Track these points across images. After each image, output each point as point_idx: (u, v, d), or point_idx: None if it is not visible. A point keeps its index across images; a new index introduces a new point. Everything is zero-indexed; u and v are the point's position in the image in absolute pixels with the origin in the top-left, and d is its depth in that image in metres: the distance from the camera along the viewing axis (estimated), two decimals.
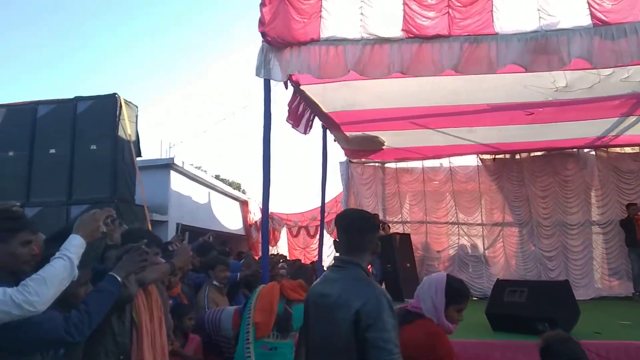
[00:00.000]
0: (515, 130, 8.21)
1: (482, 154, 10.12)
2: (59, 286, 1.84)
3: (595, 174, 9.65)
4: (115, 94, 7.10)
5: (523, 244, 9.82)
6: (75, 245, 1.95)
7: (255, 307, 3.35)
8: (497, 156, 10.12)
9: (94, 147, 6.96)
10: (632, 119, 7.77)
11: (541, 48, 4.65)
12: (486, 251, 10.02)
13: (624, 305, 7.70)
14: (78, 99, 7.22)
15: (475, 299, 9.22)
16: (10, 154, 7.13)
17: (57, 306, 1.95)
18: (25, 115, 7.26)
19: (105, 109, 7.08)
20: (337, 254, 2.20)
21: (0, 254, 1.92)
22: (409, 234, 9.81)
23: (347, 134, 8.57)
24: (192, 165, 12.19)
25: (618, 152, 9.64)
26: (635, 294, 8.45)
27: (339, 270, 2.05)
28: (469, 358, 4.38)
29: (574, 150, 9.74)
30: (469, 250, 10.14)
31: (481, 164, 10.22)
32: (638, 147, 9.44)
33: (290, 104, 6.30)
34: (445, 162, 10.47)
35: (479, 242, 10.10)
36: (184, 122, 58.65)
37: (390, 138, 8.80)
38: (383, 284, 8.99)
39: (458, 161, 10.43)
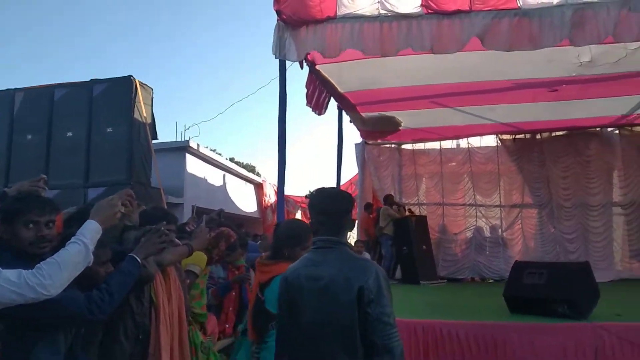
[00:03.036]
0: (537, 109, 8.02)
1: (501, 134, 9.91)
2: (73, 271, 1.85)
3: (618, 154, 9.41)
4: (131, 76, 7.09)
5: (542, 225, 9.66)
6: (91, 231, 1.95)
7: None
8: (517, 136, 9.90)
9: (110, 130, 6.99)
10: None
11: (578, 21, 4.47)
12: (504, 233, 9.89)
13: None
14: (94, 81, 7.24)
15: (491, 281, 9.17)
16: (29, 137, 7.21)
17: (79, 285, 1.98)
18: (43, 99, 7.31)
19: (120, 92, 7.09)
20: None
21: (7, 235, 1.96)
22: (425, 216, 9.70)
23: (363, 114, 8.47)
24: (207, 147, 12.23)
25: None
26: None
27: (324, 251, 1.99)
28: (486, 340, 4.35)
29: (597, 129, 9.49)
30: (487, 233, 10.02)
31: (500, 144, 10.01)
32: None
33: (307, 85, 6.21)
34: (463, 142, 10.28)
35: (497, 224, 9.96)
36: (199, 104, 58.78)
37: (407, 118, 8.67)
38: (397, 266, 8.99)
39: (477, 142, 10.22)
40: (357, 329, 1.79)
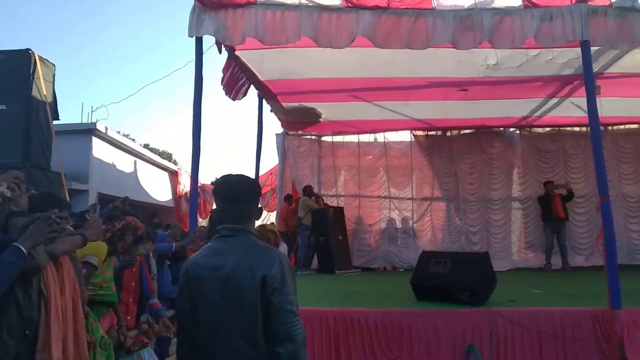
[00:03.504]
0: (448, 107, 8.45)
1: (415, 130, 10.36)
2: None
3: (518, 152, 10.20)
4: (29, 49, 6.45)
5: (449, 218, 10.27)
6: None
7: None
8: (430, 133, 10.41)
9: (3, 107, 6.34)
10: (555, 100, 8.23)
11: (472, 26, 4.74)
12: (415, 224, 10.38)
13: (537, 276, 8.29)
14: None
15: (402, 270, 9.59)
16: None
17: None
18: None
19: (17, 66, 6.45)
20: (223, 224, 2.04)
21: None
22: (342, 208, 9.93)
23: (284, 104, 8.42)
24: (119, 132, 11.51)
25: (540, 132, 10.24)
26: (547, 265, 9.16)
27: (228, 239, 1.95)
28: (393, 326, 4.54)
29: (501, 129, 10.22)
30: (399, 224, 10.46)
31: (414, 140, 10.47)
32: (558, 128, 10.07)
33: (224, 70, 6.03)
34: (380, 137, 10.62)
35: (409, 216, 10.43)
36: (110, 85, 55.23)
37: (327, 110, 8.76)
38: (314, 256, 9.13)
39: (392, 137, 10.61)
40: (260, 318, 1.76)
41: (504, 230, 9.98)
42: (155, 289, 4.11)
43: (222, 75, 6.07)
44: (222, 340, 1.77)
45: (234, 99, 6.39)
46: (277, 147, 10.53)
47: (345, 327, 4.58)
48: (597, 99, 5.01)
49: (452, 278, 5.10)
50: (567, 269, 8.95)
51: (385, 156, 10.54)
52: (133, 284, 3.63)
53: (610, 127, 9.89)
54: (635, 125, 9.92)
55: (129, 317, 3.52)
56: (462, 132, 10.35)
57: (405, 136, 10.56)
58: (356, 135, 10.62)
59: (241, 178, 2.07)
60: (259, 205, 2.10)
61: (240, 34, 4.87)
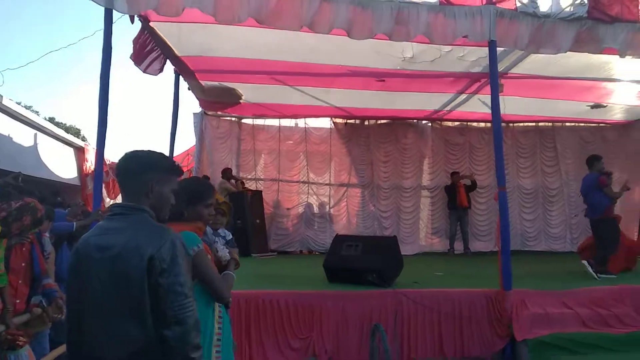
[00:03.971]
0: (367, 96, 8.65)
1: (335, 117, 10.54)
2: None
3: (429, 144, 10.77)
4: None
5: (364, 203, 10.62)
6: None
7: None
8: (349, 121, 10.64)
9: None
10: (464, 96, 8.75)
11: (406, 20, 4.88)
12: (331, 210, 10.62)
13: (441, 260, 8.87)
14: None
15: (317, 253, 9.80)
16: None
17: None
18: None
19: None
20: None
21: None
22: (260, 191, 9.90)
23: (203, 83, 8.13)
24: (19, 104, 10.46)
25: (449, 126, 10.87)
26: (450, 250, 9.84)
27: (120, 217, 1.85)
28: (304, 307, 4.63)
29: (414, 121, 10.70)
30: (316, 209, 10.64)
31: (334, 127, 10.65)
32: (465, 123, 10.75)
33: (135, 41, 5.67)
34: (301, 122, 10.67)
35: (325, 201, 10.64)
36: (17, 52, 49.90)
37: (248, 92, 8.60)
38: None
39: (313, 123, 10.71)
40: (148, 300, 1.67)
41: (413, 216, 10.53)
42: (52, 269, 3.82)
43: (133, 47, 5.70)
44: (109, 323, 1.68)
45: (144, 71, 6.03)
46: (195, 127, 10.20)
47: (257, 309, 4.59)
48: (501, 97, 5.39)
49: (362, 261, 5.29)
50: (468, 253, 9.68)
51: (305, 142, 10.62)
52: (23, 264, 3.33)
53: (511, 124, 10.75)
54: (533, 123, 10.86)
55: (18, 300, 3.23)
56: (379, 122, 10.69)
57: (325, 123, 10.72)
58: (277, 120, 10.58)
59: (137, 153, 1.95)
60: (156, 179, 1.91)
61: (177, 4, 4.55)
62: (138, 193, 1.88)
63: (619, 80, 7.67)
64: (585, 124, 10.80)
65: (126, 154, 1.94)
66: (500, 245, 5.01)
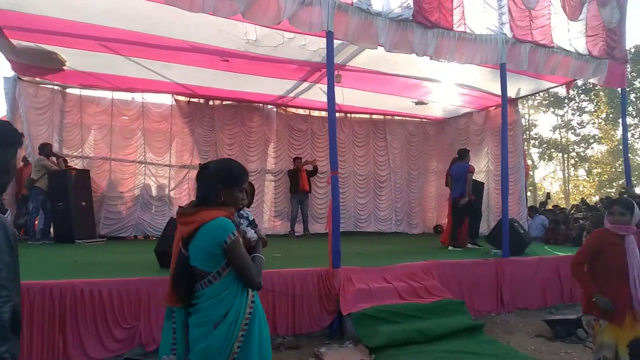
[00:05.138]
0: (211, 75, 8.38)
1: (177, 94, 10.01)
2: None
3: (274, 128, 10.93)
4: None
5: None
6: None
7: None
8: (192, 99, 10.20)
9: None
10: (306, 84, 9.04)
11: None
12: (171, 192, 10.12)
13: (282, 242, 9.11)
14: None
15: (154, 238, 9.25)
16: None
17: None
18: None
19: None
20: None
21: None
22: (88, 171, 8.91)
23: (15, 42, 6.98)
24: None
25: (293, 112, 11.18)
26: (291, 232, 10.19)
27: None
28: (130, 295, 4.32)
29: (260, 105, 10.73)
30: (154, 191, 10.03)
31: (175, 104, 10.10)
32: (308, 111, 11.16)
33: None
34: (138, 97, 9.87)
35: (165, 183, 10.10)
36: None
37: (73, 58, 7.64)
38: (50, 224, 8.01)
39: (152, 98, 10.00)
40: None
41: (257, 200, 10.59)
42: None
43: None
44: None
45: None
46: (6, 94, 8.68)
47: (74, 299, 4.13)
48: (339, 88, 5.68)
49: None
50: (308, 235, 10.12)
51: (142, 118, 9.87)
52: None
53: (349, 115, 11.49)
54: (368, 115, 11.76)
55: None
56: (225, 103, 10.48)
57: (166, 99, 10.10)
58: (110, 92, 9.62)
59: None
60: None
61: None
62: None
63: (437, 81, 8.71)
64: (411, 119, 12.10)
65: None
66: (331, 226, 5.31)
